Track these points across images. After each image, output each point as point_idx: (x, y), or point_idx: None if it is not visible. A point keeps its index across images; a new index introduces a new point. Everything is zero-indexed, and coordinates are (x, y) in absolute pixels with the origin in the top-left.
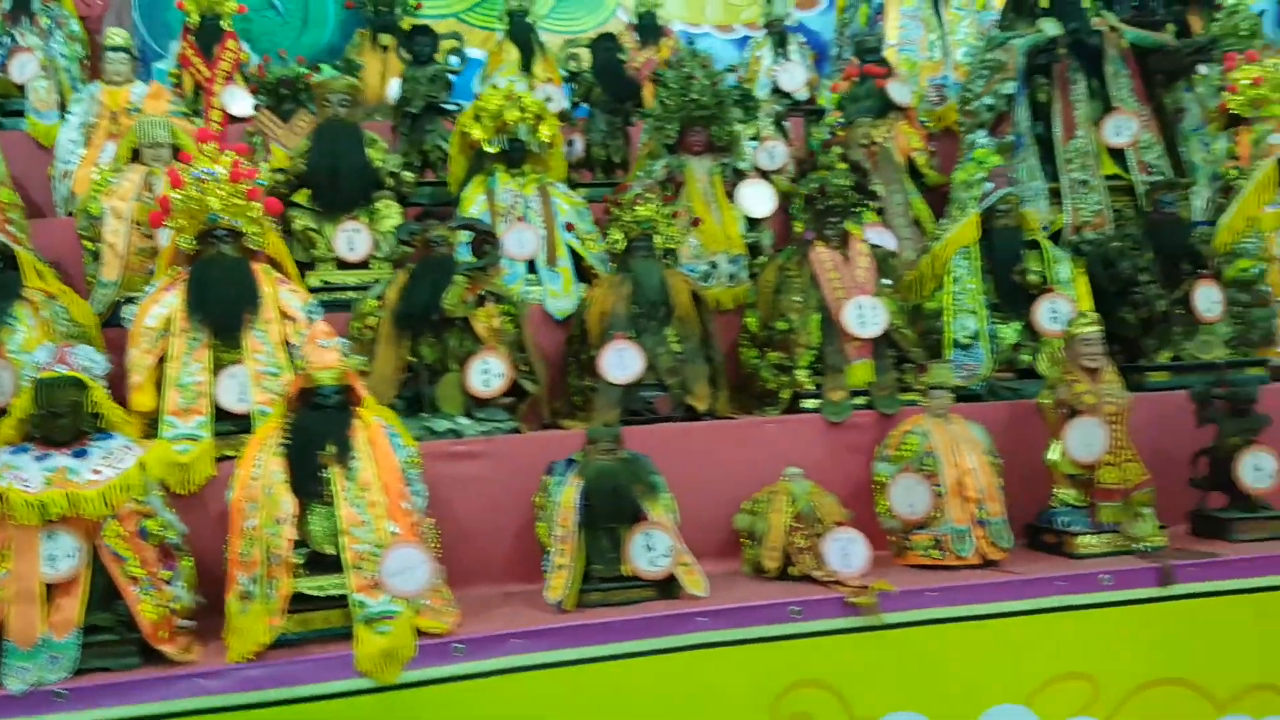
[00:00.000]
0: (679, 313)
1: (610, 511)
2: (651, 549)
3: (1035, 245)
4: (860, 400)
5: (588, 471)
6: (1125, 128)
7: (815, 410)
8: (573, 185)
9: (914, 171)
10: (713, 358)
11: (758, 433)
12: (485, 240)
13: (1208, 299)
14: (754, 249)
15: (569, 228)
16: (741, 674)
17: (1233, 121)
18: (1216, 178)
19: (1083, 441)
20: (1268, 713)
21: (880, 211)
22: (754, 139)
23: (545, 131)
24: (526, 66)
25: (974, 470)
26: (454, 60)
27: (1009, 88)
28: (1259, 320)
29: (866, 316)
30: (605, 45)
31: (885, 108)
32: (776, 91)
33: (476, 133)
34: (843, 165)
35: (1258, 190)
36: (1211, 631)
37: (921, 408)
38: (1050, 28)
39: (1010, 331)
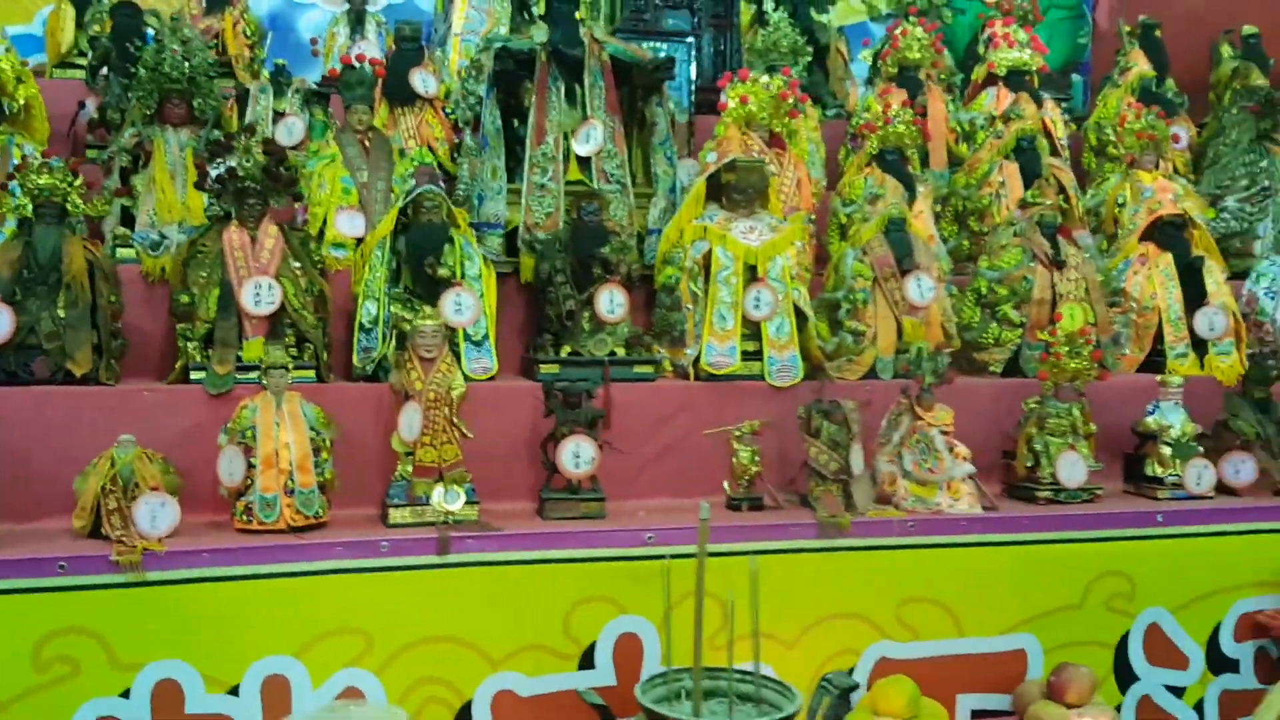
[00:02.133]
0: (67, 279)
1: None
2: None
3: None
4: (254, 375)
5: None
6: (593, 137)
7: (200, 381)
8: (87, 147)
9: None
10: (99, 325)
11: (137, 401)
12: None
13: (610, 301)
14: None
15: None
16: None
17: None
18: (673, 190)
19: (407, 424)
20: (540, 670)
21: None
22: (280, 114)
23: (22, 93)
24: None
25: (290, 444)
26: None
27: (481, 89)
28: (676, 323)
29: (263, 296)
30: (125, 11)
31: (414, 96)
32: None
33: None
34: (257, 148)
35: (690, 204)
36: (489, 597)
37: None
38: (538, 34)
39: None
